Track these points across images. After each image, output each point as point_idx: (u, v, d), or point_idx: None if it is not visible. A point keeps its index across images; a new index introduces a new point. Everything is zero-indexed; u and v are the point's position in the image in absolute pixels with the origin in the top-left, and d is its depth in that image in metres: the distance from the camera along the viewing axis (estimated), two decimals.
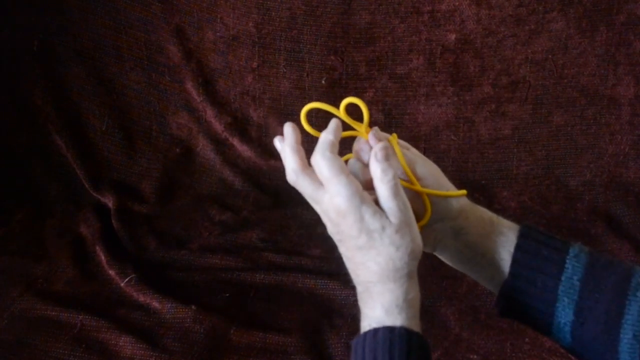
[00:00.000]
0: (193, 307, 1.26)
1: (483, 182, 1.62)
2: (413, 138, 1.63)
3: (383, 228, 0.63)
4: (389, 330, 0.62)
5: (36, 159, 1.63)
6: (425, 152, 1.62)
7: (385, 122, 1.62)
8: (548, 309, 0.65)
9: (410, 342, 0.61)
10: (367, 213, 0.63)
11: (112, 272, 1.36)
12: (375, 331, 0.62)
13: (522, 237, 0.68)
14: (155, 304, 1.28)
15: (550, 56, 1.57)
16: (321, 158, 0.65)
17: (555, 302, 0.65)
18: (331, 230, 0.67)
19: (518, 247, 0.67)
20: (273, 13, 1.58)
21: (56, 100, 1.63)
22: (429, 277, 1.35)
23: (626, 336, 0.61)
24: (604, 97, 1.59)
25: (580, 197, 1.60)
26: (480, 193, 1.59)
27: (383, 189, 0.64)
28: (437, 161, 1.69)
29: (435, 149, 1.63)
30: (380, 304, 0.64)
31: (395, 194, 0.64)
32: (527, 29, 1.56)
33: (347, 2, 1.56)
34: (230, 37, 1.61)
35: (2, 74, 1.61)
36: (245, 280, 1.36)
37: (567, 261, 0.65)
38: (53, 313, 1.25)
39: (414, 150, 0.74)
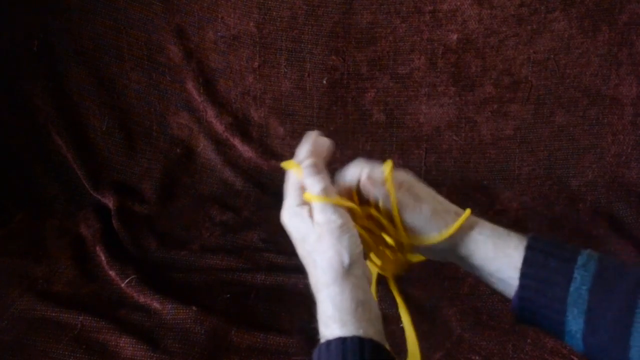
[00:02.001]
0: (194, 307, 1.26)
1: (485, 182, 1.62)
2: (415, 138, 1.63)
3: (307, 235, 0.68)
4: (341, 340, 0.63)
5: (36, 159, 1.62)
6: (427, 152, 1.62)
7: (387, 122, 1.62)
8: (559, 318, 0.65)
9: (363, 350, 0.62)
10: (296, 222, 0.69)
11: (112, 273, 1.36)
12: (327, 343, 0.64)
13: (529, 249, 0.68)
14: (156, 305, 1.27)
15: (552, 56, 1.57)
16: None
17: (565, 312, 0.65)
18: (292, 239, 0.72)
19: (525, 260, 0.68)
20: (274, 13, 1.57)
21: (56, 101, 1.62)
22: (431, 278, 1.35)
23: (636, 344, 0.61)
24: (606, 97, 1.59)
25: (583, 197, 1.59)
26: (481, 193, 1.59)
27: (311, 198, 0.69)
28: (439, 161, 1.71)
29: (437, 149, 1.63)
30: (328, 316, 0.66)
31: (321, 207, 0.68)
32: (529, 29, 1.56)
33: (348, 1, 1.55)
34: (231, 37, 1.61)
35: (2, 74, 1.61)
36: (246, 281, 1.35)
37: (575, 271, 0.65)
38: (53, 314, 1.25)
39: (411, 185, 0.75)
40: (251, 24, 1.59)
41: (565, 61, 1.58)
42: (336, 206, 0.69)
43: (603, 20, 1.55)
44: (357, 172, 0.73)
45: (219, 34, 1.61)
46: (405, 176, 0.75)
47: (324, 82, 1.61)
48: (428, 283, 1.35)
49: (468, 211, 0.74)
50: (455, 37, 1.57)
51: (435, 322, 1.26)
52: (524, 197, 1.60)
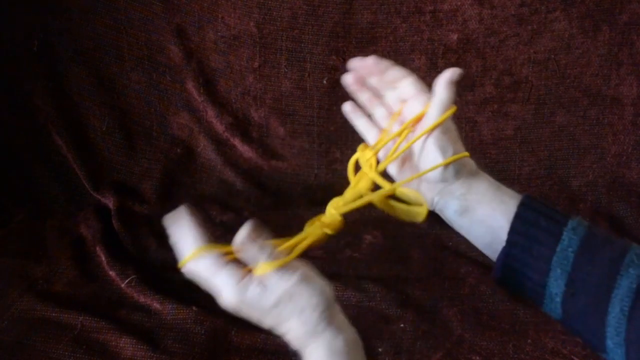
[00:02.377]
0: (194, 308, 1.25)
1: None
2: None
3: (275, 304, 0.64)
4: None
5: (36, 160, 1.62)
6: None
7: None
8: (541, 279, 0.66)
9: None
10: (253, 297, 0.65)
11: (112, 273, 1.36)
12: None
13: (522, 205, 0.69)
14: (156, 305, 1.27)
15: (552, 56, 1.57)
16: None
17: (548, 272, 0.65)
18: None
19: (517, 216, 0.68)
20: (274, 13, 1.57)
21: (56, 101, 1.62)
22: (431, 278, 1.35)
23: (614, 310, 0.61)
24: (606, 97, 1.59)
25: (583, 197, 1.59)
26: None
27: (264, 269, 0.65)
28: None
29: None
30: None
31: (274, 272, 0.64)
32: (529, 29, 1.55)
33: (348, 1, 1.55)
34: (232, 37, 1.61)
35: (2, 74, 1.61)
36: None
37: (564, 233, 0.65)
38: (53, 314, 1.25)
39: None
40: (251, 24, 1.59)
41: (565, 61, 1.57)
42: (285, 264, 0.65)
43: (603, 20, 1.55)
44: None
45: (219, 33, 1.61)
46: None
47: (325, 82, 1.61)
48: (428, 283, 1.35)
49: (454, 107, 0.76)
50: (455, 37, 1.57)
51: (436, 322, 1.26)
52: None
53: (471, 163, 0.76)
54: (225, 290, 0.66)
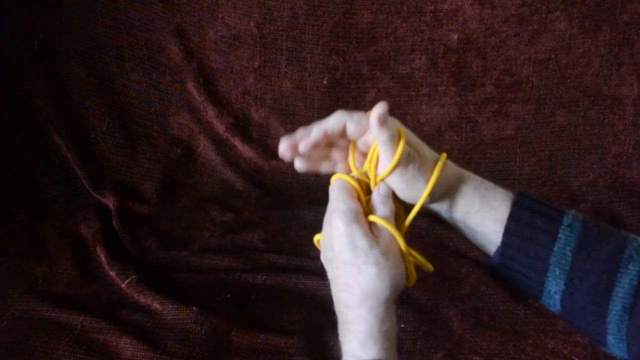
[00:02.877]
0: (194, 308, 1.25)
1: None
2: None
3: (370, 247, 0.66)
4: None
5: (36, 160, 1.62)
6: None
7: None
8: (539, 278, 0.65)
9: None
10: (358, 232, 0.66)
11: (112, 273, 1.36)
12: None
13: (515, 205, 0.67)
14: (156, 305, 1.27)
15: (553, 56, 1.57)
16: (334, 182, 0.72)
17: (546, 271, 0.65)
18: (324, 246, 0.72)
19: (511, 216, 0.67)
20: (275, 13, 1.57)
21: (56, 101, 1.62)
22: (432, 278, 1.35)
23: (615, 308, 0.61)
24: (607, 97, 1.59)
25: (584, 197, 1.59)
26: None
27: (380, 215, 0.69)
28: None
29: (438, 150, 1.61)
30: (355, 336, 0.66)
31: (389, 224, 0.68)
32: (530, 29, 1.55)
33: (349, 1, 1.55)
34: (232, 37, 1.61)
35: (2, 74, 1.61)
36: (247, 282, 1.35)
37: (560, 231, 0.65)
38: (53, 314, 1.25)
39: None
40: (252, 24, 1.59)
41: (566, 61, 1.57)
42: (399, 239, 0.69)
43: (604, 20, 1.54)
44: (340, 123, 0.70)
45: (219, 33, 1.61)
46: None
47: (325, 82, 1.61)
48: (429, 283, 1.35)
49: (444, 155, 0.72)
50: (456, 37, 1.57)
51: (436, 322, 1.25)
52: None
53: (451, 168, 0.73)
54: (338, 209, 0.69)
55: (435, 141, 1.62)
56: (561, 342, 1.19)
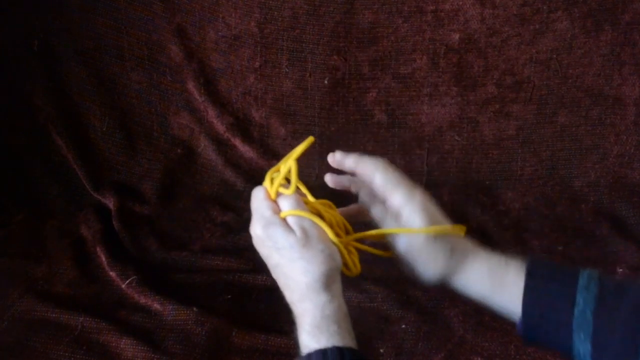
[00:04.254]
0: (194, 309, 1.25)
1: (487, 182, 1.61)
2: (416, 139, 1.62)
3: (291, 245, 0.69)
4: (322, 352, 0.65)
5: (36, 160, 1.62)
6: (429, 152, 1.62)
7: (389, 122, 1.61)
8: (566, 343, 0.66)
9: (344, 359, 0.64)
10: (276, 232, 0.70)
11: (113, 274, 1.35)
12: (308, 356, 0.65)
13: (529, 276, 0.68)
14: (157, 306, 1.27)
15: (554, 56, 1.57)
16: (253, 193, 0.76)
17: (571, 336, 0.65)
18: (265, 260, 0.76)
19: (527, 287, 0.68)
20: (275, 12, 1.57)
21: (56, 101, 1.62)
22: None
23: None
24: (609, 97, 1.58)
25: (585, 198, 1.59)
26: (484, 194, 1.59)
27: (285, 209, 0.72)
28: (441, 162, 1.70)
29: (439, 150, 1.62)
30: (303, 328, 0.68)
31: (298, 210, 0.71)
32: (531, 29, 1.55)
33: (350, 1, 1.55)
34: (232, 37, 1.60)
35: (2, 74, 1.61)
36: (247, 282, 1.35)
37: (578, 294, 0.66)
38: (53, 315, 1.24)
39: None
40: (252, 24, 1.58)
41: (567, 61, 1.57)
42: (317, 220, 0.71)
43: (606, 20, 1.54)
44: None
45: (220, 33, 1.61)
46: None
47: (326, 82, 1.61)
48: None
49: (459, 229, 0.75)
50: (457, 36, 1.56)
51: (437, 323, 1.25)
52: (526, 197, 1.59)
53: (460, 251, 0.74)
54: (253, 221, 0.73)
55: (436, 141, 1.62)
56: None
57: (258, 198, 0.74)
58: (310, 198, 0.77)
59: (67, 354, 1.16)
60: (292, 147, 1.71)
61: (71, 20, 1.59)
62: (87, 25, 1.60)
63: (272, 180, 0.76)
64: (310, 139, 0.75)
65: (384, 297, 1.30)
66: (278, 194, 0.75)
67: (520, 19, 1.55)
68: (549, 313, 0.66)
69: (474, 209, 1.54)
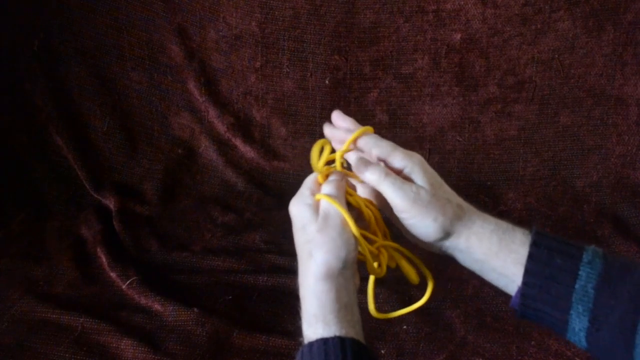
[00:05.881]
0: (195, 309, 1.25)
1: (489, 183, 1.61)
2: (418, 139, 1.62)
3: (307, 225, 0.71)
4: (323, 342, 0.65)
5: (36, 160, 1.62)
6: (431, 152, 1.62)
7: (390, 122, 1.61)
8: (562, 316, 0.65)
9: (345, 350, 0.64)
10: (301, 211, 0.72)
11: (113, 275, 1.35)
12: (310, 345, 0.65)
13: (534, 245, 0.68)
14: (157, 307, 1.27)
15: (556, 56, 1.56)
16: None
17: (569, 309, 0.65)
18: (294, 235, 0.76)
19: (530, 257, 0.67)
20: (276, 12, 1.57)
21: (57, 101, 1.62)
22: (434, 279, 1.34)
23: None
24: (611, 97, 1.58)
25: (587, 198, 1.58)
26: (485, 194, 1.58)
27: (323, 192, 0.74)
28: (442, 162, 1.70)
29: (441, 150, 1.62)
30: (312, 314, 0.67)
31: (327, 196, 0.72)
32: (533, 29, 1.55)
33: (351, 1, 1.55)
34: (233, 37, 1.60)
35: (2, 73, 1.60)
36: (248, 283, 1.35)
37: (581, 268, 0.65)
38: (54, 316, 1.24)
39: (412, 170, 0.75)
40: (253, 24, 1.58)
41: (569, 61, 1.57)
42: (341, 210, 0.71)
43: (608, 20, 1.54)
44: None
45: (220, 33, 1.61)
46: (409, 160, 0.75)
47: (327, 82, 1.60)
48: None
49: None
50: (458, 36, 1.56)
51: (439, 324, 1.25)
52: (528, 197, 1.59)
53: (467, 209, 0.74)
54: (295, 196, 0.75)
55: (437, 141, 1.62)
56: (564, 344, 1.18)
57: (310, 178, 0.77)
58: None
59: (67, 355, 1.16)
60: (293, 147, 1.71)
61: (71, 20, 1.59)
62: (88, 25, 1.60)
63: (320, 152, 0.78)
64: (367, 128, 0.80)
65: (385, 297, 1.30)
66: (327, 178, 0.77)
67: (522, 18, 1.54)
68: (549, 284, 0.66)
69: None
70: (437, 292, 1.32)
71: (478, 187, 1.60)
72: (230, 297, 1.32)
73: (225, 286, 1.34)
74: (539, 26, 1.54)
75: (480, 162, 1.62)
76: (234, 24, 1.59)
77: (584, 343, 0.65)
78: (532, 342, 1.20)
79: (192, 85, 1.63)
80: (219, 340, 1.20)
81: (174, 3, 1.59)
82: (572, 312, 0.65)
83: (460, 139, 1.62)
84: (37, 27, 1.59)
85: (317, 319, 0.67)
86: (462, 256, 0.73)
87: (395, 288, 1.32)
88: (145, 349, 1.17)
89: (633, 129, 1.58)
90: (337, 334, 0.65)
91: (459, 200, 0.74)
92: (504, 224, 0.72)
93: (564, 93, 1.58)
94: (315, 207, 0.72)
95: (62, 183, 1.61)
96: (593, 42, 1.55)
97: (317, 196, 0.73)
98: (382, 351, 1.19)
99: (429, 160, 1.61)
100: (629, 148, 1.59)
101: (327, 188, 0.74)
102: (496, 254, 0.70)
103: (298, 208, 0.73)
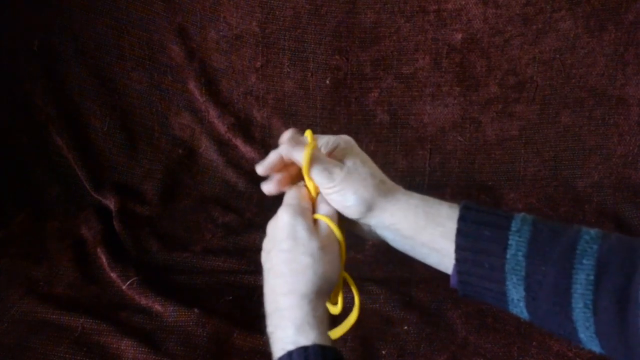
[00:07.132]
0: (196, 310, 1.25)
1: (490, 183, 1.61)
2: (419, 139, 1.62)
3: (309, 239, 0.70)
4: (303, 349, 0.65)
5: (36, 160, 1.62)
6: (432, 152, 1.61)
7: (391, 122, 1.61)
8: (500, 288, 0.65)
9: (326, 358, 0.64)
10: (301, 224, 0.71)
11: (113, 275, 1.35)
12: (289, 354, 0.65)
13: (461, 220, 0.67)
14: (158, 307, 1.26)
15: (557, 56, 1.56)
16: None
17: (504, 280, 0.65)
18: (266, 240, 0.76)
19: (459, 232, 0.67)
20: (277, 12, 1.56)
21: (57, 101, 1.62)
22: (435, 280, 1.34)
23: (577, 306, 0.60)
24: (612, 97, 1.58)
25: (588, 198, 1.58)
26: (486, 194, 1.58)
27: (322, 213, 0.74)
28: (443, 162, 1.70)
29: (442, 150, 1.62)
30: (291, 322, 0.68)
31: (330, 220, 0.72)
32: (534, 28, 1.54)
33: (351, 1, 1.55)
34: (234, 37, 1.60)
35: (2, 73, 1.60)
36: (249, 283, 1.35)
37: (510, 237, 0.64)
38: (54, 316, 1.24)
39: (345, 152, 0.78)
40: (254, 24, 1.58)
41: (571, 61, 1.56)
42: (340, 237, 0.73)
43: (609, 20, 1.53)
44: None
45: (221, 33, 1.60)
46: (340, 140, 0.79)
47: (327, 82, 1.60)
48: (432, 285, 1.34)
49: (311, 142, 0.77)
50: (459, 36, 1.56)
51: (440, 324, 1.25)
52: (529, 198, 1.59)
53: (392, 187, 0.74)
54: (287, 203, 0.74)
55: (438, 142, 1.62)
56: (566, 344, 1.18)
57: (300, 189, 0.76)
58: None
59: (67, 356, 1.16)
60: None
61: (71, 20, 1.59)
62: (88, 25, 1.59)
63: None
64: (307, 152, 0.76)
65: (386, 298, 1.30)
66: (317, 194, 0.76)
67: (523, 18, 1.54)
68: (482, 258, 0.65)
69: None
70: (439, 293, 1.33)
71: (479, 187, 1.60)
72: (231, 297, 1.31)
73: (225, 286, 1.34)
74: (540, 26, 1.54)
75: (481, 162, 1.62)
76: (235, 23, 1.59)
77: (525, 314, 0.65)
78: (534, 343, 1.20)
79: (192, 85, 1.63)
80: (219, 340, 1.20)
81: (175, 3, 1.59)
82: (507, 283, 0.64)
83: (461, 139, 1.62)
84: (37, 27, 1.59)
85: (311, 327, 0.68)
86: (392, 235, 0.73)
87: (396, 289, 1.32)
88: (146, 350, 1.17)
89: (634, 129, 1.58)
90: (317, 341, 0.66)
91: (383, 177, 0.75)
92: (430, 199, 0.72)
93: (565, 93, 1.58)
94: (312, 221, 0.73)
95: (62, 183, 1.61)
96: (594, 42, 1.55)
97: (316, 216, 0.74)
98: (383, 352, 1.19)
99: (430, 160, 1.61)
100: (631, 148, 1.59)
101: (326, 209, 0.74)
102: (424, 228, 0.70)
103: (296, 220, 0.72)
